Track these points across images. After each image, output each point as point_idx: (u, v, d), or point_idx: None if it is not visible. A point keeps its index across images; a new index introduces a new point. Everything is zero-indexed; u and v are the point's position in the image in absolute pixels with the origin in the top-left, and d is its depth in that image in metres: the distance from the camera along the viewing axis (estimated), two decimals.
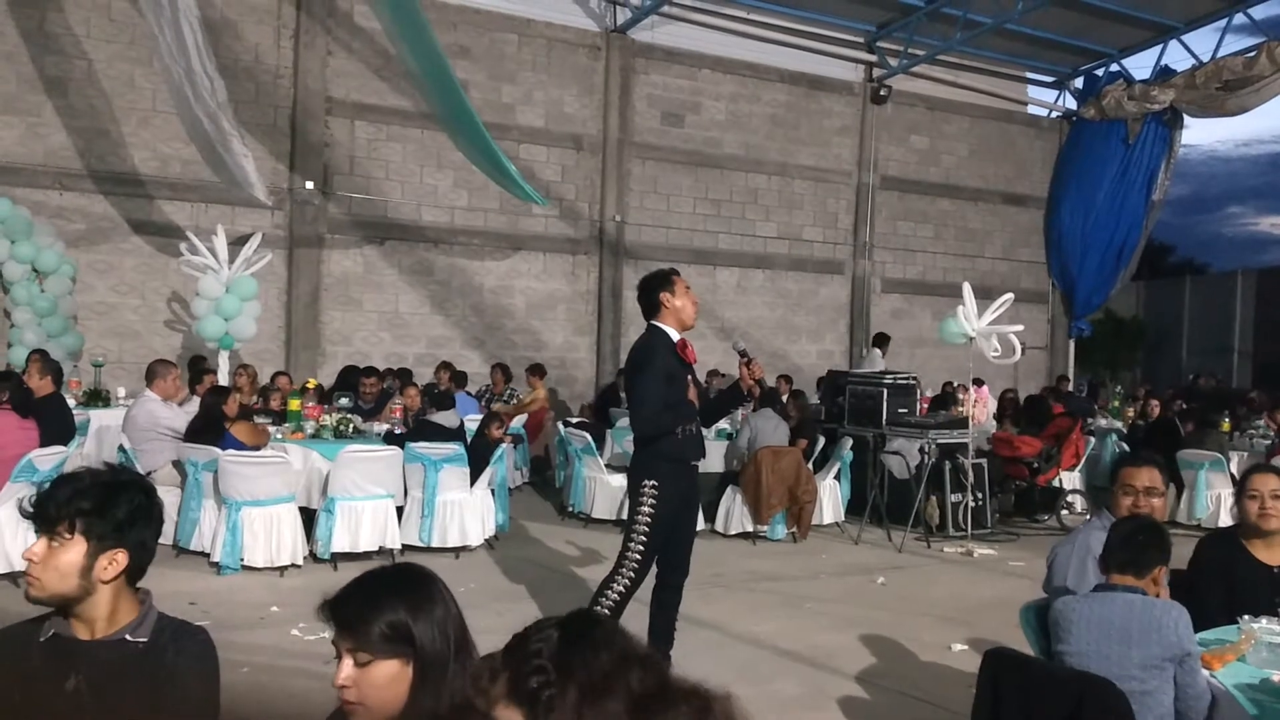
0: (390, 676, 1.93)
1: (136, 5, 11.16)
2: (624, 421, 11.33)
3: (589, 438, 10.10)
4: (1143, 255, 20.01)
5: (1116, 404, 15.59)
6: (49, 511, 2.17)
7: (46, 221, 11.78)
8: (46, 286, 11.40)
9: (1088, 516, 10.75)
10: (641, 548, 5.16)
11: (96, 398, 10.26)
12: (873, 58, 17.71)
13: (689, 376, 5.33)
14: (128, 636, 2.24)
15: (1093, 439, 12.52)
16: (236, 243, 11.58)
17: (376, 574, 2.06)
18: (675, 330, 5.29)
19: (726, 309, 16.74)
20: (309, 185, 13.54)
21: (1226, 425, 12.05)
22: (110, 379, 11.14)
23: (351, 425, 8.89)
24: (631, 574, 5.17)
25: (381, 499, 7.96)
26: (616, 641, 1.46)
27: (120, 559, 2.22)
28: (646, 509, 5.16)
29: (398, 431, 8.99)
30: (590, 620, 1.51)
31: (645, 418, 5.17)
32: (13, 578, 6.77)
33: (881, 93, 17.72)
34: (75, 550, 2.17)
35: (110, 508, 2.20)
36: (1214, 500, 10.78)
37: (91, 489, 2.21)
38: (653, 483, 5.15)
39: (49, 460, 7.00)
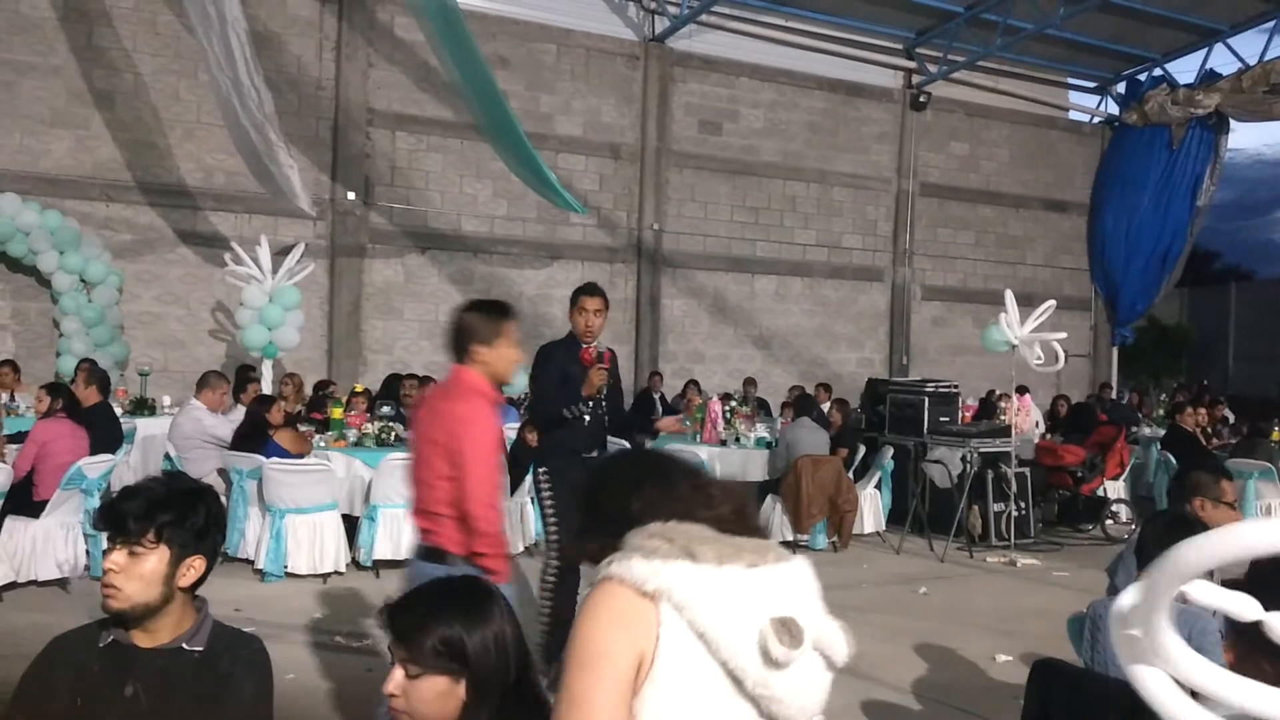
0: (438, 692, 1.91)
1: (184, 20, 11.35)
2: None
3: (626, 445, 10.08)
4: (1187, 262, 19.74)
5: (1161, 413, 15.37)
6: (128, 524, 2.20)
7: (94, 232, 11.99)
8: (94, 296, 11.58)
9: (1133, 526, 10.62)
10: (555, 530, 5.60)
11: (142, 406, 10.38)
12: (912, 64, 17.63)
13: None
14: (184, 645, 2.27)
15: (1138, 448, 12.36)
16: (280, 253, 11.69)
17: (438, 585, 2.06)
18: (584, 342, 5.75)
19: (765, 317, 16.69)
20: (351, 195, 13.68)
21: (1277, 434, 11.86)
22: (156, 388, 11.27)
23: (394, 433, 8.95)
24: (556, 557, 5.63)
25: None
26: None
27: (198, 565, 2.27)
28: (546, 495, 5.64)
29: None
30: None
31: (536, 410, 6.23)
32: (63, 584, 6.89)
33: (921, 99, 17.64)
34: (158, 558, 2.21)
35: (190, 516, 2.25)
36: (1264, 510, 10.60)
37: (170, 498, 2.25)
38: (544, 469, 5.63)
39: (97, 468, 7.10)
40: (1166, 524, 3.43)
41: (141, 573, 2.19)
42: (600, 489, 1.86)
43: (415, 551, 3.83)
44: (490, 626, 1.96)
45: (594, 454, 5.63)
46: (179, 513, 2.23)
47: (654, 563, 1.60)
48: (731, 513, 1.72)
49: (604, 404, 5.66)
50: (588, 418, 5.59)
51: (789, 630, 1.56)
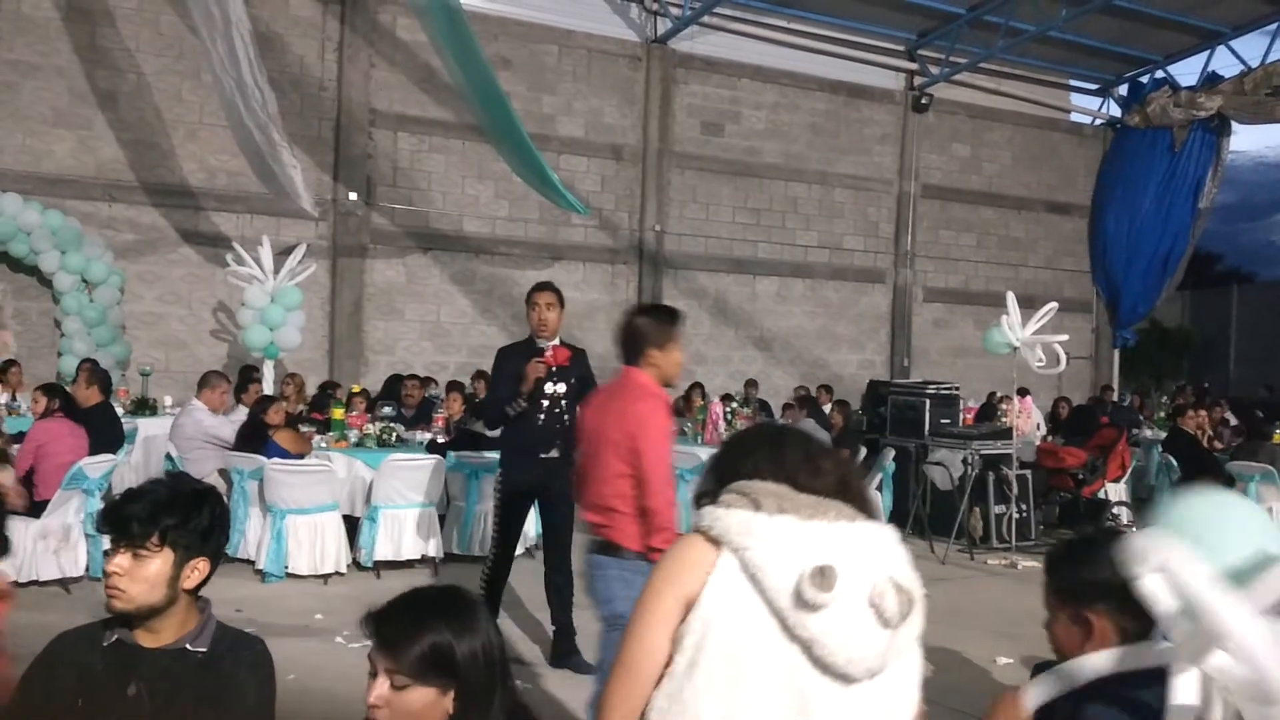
0: (425, 704, 1.85)
1: (187, 20, 11.36)
2: None
3: None
4: (1189, 264, 19.71)
5: (1162, 415, 15.35)
6: (132, 527, 2.19)
7: (96, 232, 11.99)
8: (95, 296, 11.59)
9: (1134, 528, 10.60)
10: (495, 531, 5.96)
11: (144, 406, 10.39)
12: (914, 66, 17.63)
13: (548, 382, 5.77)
14: (188, 646, 2.27)
15: (1139, 450, 12.35)
16: (282, 253, 11.70)
17: (423, 593, 1.99)
18: (541, 339, 5.91)
19: (766, 318, 16.69)
20: (353, 196, 13.68)
21: (1278, 437, 11.83)
22: (157, 388, 11.27)
23: (394, 434, 8.95)
24: (492, 556, 5.89)
25: (424, 507, 7.99)
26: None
27: (203, 567, 2.28)
28: (495, 495, 5.98)
29: (440, 440, 9.04)
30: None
31: (487, 409, 6.78)
32: (64, 584, 6.89)
33: (923, 101, 17.64)
34: (163, 561, 2.20)
35: (194, 518, 2.24)
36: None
37: (174, 500, 2.24)
38: (500, 471, 5.98)
39: (98, 468, 7.10)
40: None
41: (146, 575, 2.18)
42: (723, 456, 2.02)
43: (590, 545, 4.03)
44: (478, 636, 1.92)
45: (552, 454, 5.68)
46: (183, 515, 2.22)
47: (719, 510, 1.79)
48: (836, 484, 1.87)
49: (564, 403, 5.72)
50: (542, 416, 5.67)
51: (823, 575, 1.67)
